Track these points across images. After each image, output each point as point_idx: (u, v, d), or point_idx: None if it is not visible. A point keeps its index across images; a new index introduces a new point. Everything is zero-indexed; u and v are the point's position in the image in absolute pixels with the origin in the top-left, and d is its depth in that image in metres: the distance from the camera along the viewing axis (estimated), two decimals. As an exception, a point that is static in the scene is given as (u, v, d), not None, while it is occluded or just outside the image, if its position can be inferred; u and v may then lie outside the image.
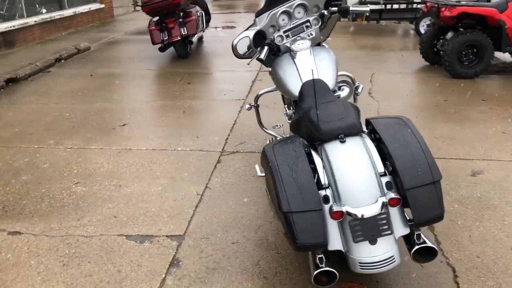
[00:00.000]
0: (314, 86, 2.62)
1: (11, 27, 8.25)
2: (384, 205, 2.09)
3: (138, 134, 4.43)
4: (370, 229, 2.12)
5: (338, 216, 2.09)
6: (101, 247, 2.77)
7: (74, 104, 5.37)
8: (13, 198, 3.32)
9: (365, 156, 2.21)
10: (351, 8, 3.16)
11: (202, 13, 8.01)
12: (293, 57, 3.03)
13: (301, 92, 2.83)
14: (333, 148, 2.24)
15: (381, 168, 2.22)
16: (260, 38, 3.10)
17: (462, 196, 3.24)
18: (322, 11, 3.20)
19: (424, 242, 2.19)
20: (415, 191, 2.13)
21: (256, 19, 3.18)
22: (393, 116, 2.45)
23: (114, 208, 3.17)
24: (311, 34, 3.21)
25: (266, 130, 3.60)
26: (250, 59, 3.11)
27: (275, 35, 3.13)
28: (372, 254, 2.11)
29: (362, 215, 2.07)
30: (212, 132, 4.44)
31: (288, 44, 3.10)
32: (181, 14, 7.17)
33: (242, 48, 3.11)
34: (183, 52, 7.38)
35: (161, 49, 7.15)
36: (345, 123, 2.29)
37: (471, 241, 2.75)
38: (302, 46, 3.07)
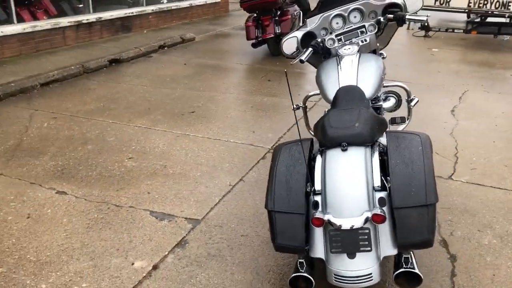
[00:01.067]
0: (341, 92, 2.57)
1: (129, 13, 9.09)
2: (368, 220, 2.01)
3: (200, 122, 4.66)
4: (349, 242, 2.04)
5: (319, 223, 2.05)
6: (125, 217, 3.01)
7: (158, 88, 5.79)
8: (73, 163, 3.73)
9: (361, 167, 2.13)
10: (407, 16, 3.03)
11: (300, 13, 8.04)
12: (337, 61, 3.00)
13: (334, 97, 2.80)
14: (333, 155, 2.20)
15: (377, 183, 2.13)
16: (309, 40, 3.10)
17: (507, 232, 2.92)
18: (379, 17, 3.10)
19: (411, 268, 2.06)
20: (404, 211, 2.03)
21: (307, 20, 3.18)
22: (413, 132, 2.32)
23: (151, 185, 3.41)
24: (365, 40, 3.13)
25: (312, 133, 3.58)
26: (294, 60, 3.12)
27: (326, 38, 3.10)
28: (349, 268, 2.04)
29: (341, 226, 2.01)
30: (269, 129, 4.50)
31: (336, 48, 3.07)
32: (278, 12, 7.30)
33: (289, 48, 3.13)
34: (275, 50, 7.51)
35: (254, 45, 7.36)
36: (351, 132, 2.22)
37: (492, 280, 2.48)
38: (348, 51, 3.01)
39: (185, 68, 6.84)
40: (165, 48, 8.07)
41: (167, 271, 2.53)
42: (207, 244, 2.76)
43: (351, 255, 2.04)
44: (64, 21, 7.67)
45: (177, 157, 3.89)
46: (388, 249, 2.08)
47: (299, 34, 3.13)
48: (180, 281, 2.45)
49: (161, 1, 10.36)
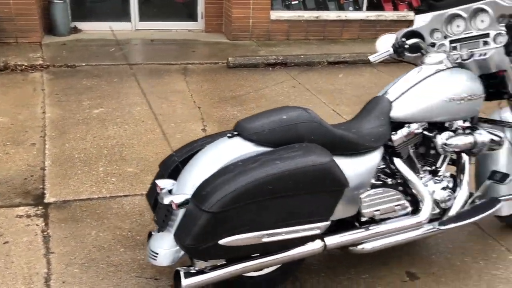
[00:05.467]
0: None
1: None
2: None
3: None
4: (158, 215, 2.10)
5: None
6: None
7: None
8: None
9: (221, 157, 2.08)
10: None
11: None
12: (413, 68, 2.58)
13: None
14: (221, 141, 2.19)
15: None
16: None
17: None
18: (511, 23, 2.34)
19: (186, 270, 2.01)
20: (189, 206, 1.94)
21: (415, 16, 2.70)
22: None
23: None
24: (484, 55, 2.44)
25: None
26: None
27: (438, 42, 2.62)
28: (151, 239, 2.12)
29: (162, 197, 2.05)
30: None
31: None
32: None
33: (380, 45, 2.75)
34: None
35: None
36: (240, 123, 2.17)
37: None
38: (429, 60, 2.50)
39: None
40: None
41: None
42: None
43: (160, 230, 2.07)
44: (411, 15, 8.03)
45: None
46: None
47: (400, 32, 2.74)
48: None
49: None
